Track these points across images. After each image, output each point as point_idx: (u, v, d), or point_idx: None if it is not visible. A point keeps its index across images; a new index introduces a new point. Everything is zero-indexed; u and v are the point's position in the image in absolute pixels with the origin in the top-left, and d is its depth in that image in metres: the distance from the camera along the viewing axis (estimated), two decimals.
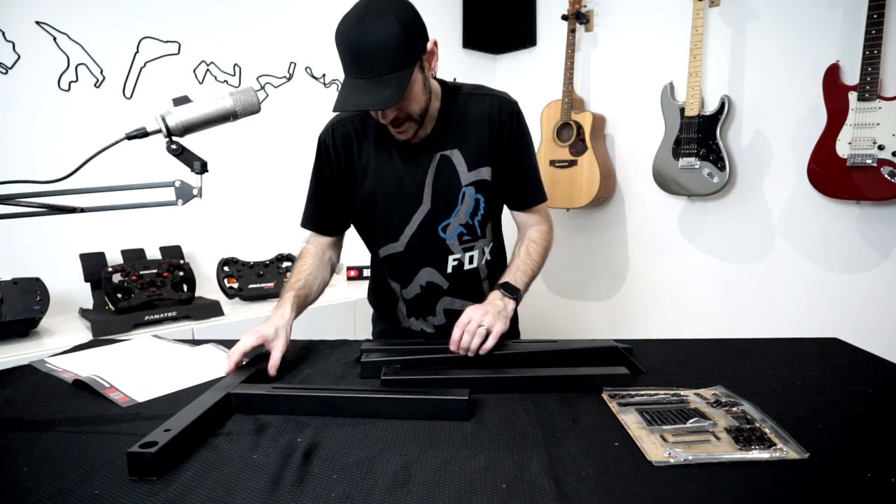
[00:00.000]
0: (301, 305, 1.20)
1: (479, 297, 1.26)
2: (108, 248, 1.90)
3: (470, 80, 1.35)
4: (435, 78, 1.20)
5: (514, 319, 1.44)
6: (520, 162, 1.25)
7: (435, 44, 1.11)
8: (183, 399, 0.90)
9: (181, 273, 1.89)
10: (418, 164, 1.20)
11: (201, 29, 2.13)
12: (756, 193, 2.25)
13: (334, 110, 1.06)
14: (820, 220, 2.09)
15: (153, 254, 1.97)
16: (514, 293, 1.16)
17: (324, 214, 1.28)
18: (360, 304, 2.09)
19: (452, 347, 1.03)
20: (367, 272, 2.34)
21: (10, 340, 1.56)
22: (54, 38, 1.83)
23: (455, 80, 1.36)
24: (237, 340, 1.17)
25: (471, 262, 1.27)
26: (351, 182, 1.24)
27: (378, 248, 1.29)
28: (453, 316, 1.27)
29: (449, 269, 1.26)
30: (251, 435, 0.77)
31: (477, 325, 1.03)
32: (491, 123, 1.20)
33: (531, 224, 1.30)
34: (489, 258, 1.30)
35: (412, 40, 1.03)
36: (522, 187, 1.27)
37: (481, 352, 1.02)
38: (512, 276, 1.20)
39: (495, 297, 1.14)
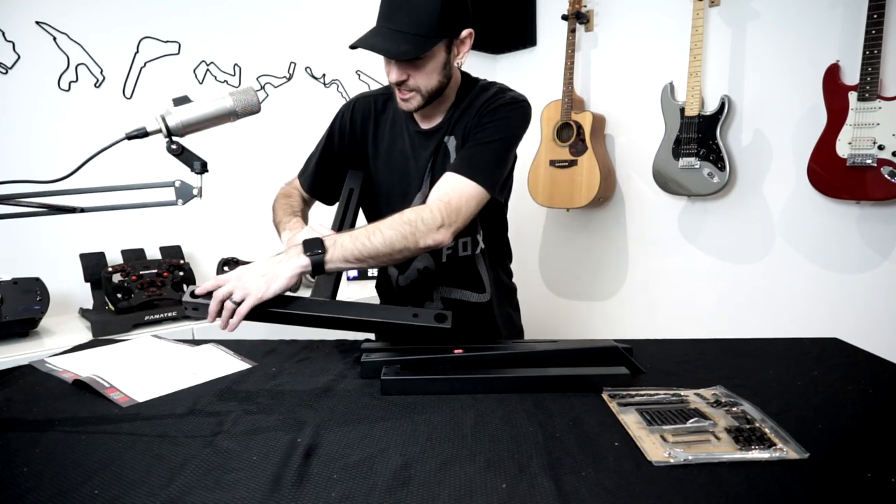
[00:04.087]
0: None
1: (478, 286, 1.28)
2: (108, 248, 1.90)
3: None
4: (461, 71, 1.23)
5: (517, 318, 1.45)
6: (474, 135, 1.17)
7: (470, 35, 1.13)
8: (183, 399, 0.90)
9: (181, 273, 1.88)
10: (425, 149, 1.23)
11: (201, 29, 2.13)
12: (756, 193, 2.25)
13: (350, 47, 1.08)
14: (820, 220, 2.09)
15: (153, 254, 1.97)
16: (315, 250, 1.00)
17: (321, 181, 1.32)
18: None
19: (209, 320, 0.99)
20: (371, 271, 2.35)
21: (10, 340, 1.56)
22: (54, 38, 1.83)
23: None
24: (237, 341, 1.18)
25: (465, 248, 1.27)
26: (364, 158, 1.28)
27: None
28: (450, 304, 1.29)
29: (444, 258, 1.28)
30: (251, 435, 0.77)
31: (226, 296, 0.97)
32: (481, 109, 1.18)
33: (430, 199, 1.12)
34: (483, 246, 1.30)
35: (449, 16, 1.06)
36: (460, 155, 1.17)
37: (229, 328, 0.98)
38: (336, 237, 1.04)
39: (279, 255, 1.02)
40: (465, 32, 1.12)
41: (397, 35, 1.04)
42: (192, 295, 1.00)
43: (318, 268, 1.01)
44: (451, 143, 1.22)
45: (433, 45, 1.06)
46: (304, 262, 1.00)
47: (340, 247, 1.02)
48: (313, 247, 1.00)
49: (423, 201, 1.22)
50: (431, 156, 1.23)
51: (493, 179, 1.15)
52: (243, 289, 0.97)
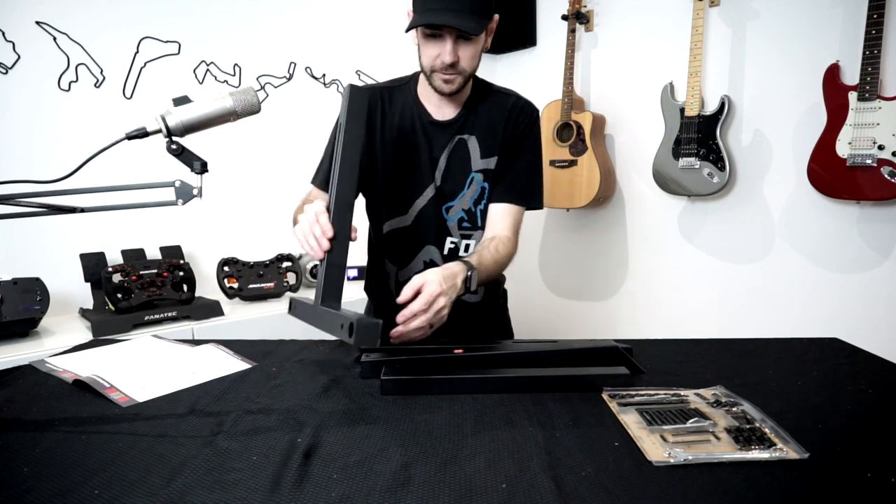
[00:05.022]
0: None
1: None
2: (108, 248, 1.90)
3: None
4: None
5: (506, 320, 1.46)
6: (516, 158, 1.27)
7: (497, 21, 1.19)
8: (183, 399, 0.90)
9: (181, 273, 1.89)
10: (438, 142, 1.25)
11: (201, 29, 2.13)
12: (756, 193, 2.24)
13: (410, 27, 1.10)
14: (820, 220, 2.09)
15: (153, 254, 1.97)
16: (469, 284, 1.09)
17: None
18: (359, 304, 2.10)
19: (400, 319, 0.99)
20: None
21: (10, 340, 1.56)
22: (54, 38, 1.83)
23: None
24: (237, 340, 1.18)
25: (466, 250, 1.30)
26: (371, 149, 1.28)
27: (384, 223, 1.32)
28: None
29: (445, 251, 1.30)
30: (251, 435, 0.77)
31: (436, 313, 1.00)
32: (509, 118, 1.26)
33: (500, 229, 1.26)
34: None
35: (492, 3, 1.14)
36: (509, 181, 1.27)
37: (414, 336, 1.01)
38: (480, 266, 1.13)
39: (459, 272, 1.07)
40: (495, 17, 1.17)
41: (461, 14, 1.07)
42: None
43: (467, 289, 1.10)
44: (473, 142, 1.25)
45: (487, 26, 1.12)
46: (462, 289, 1.07)
47: (477, 278, 1.11)
48: (470, 272, 1.09)
49: (435, 195, 1.26)
50: (448, 150, 1.25)
51: (542, 196, 1.32)
52: (448, 306, 1.02)
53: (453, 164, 1.25)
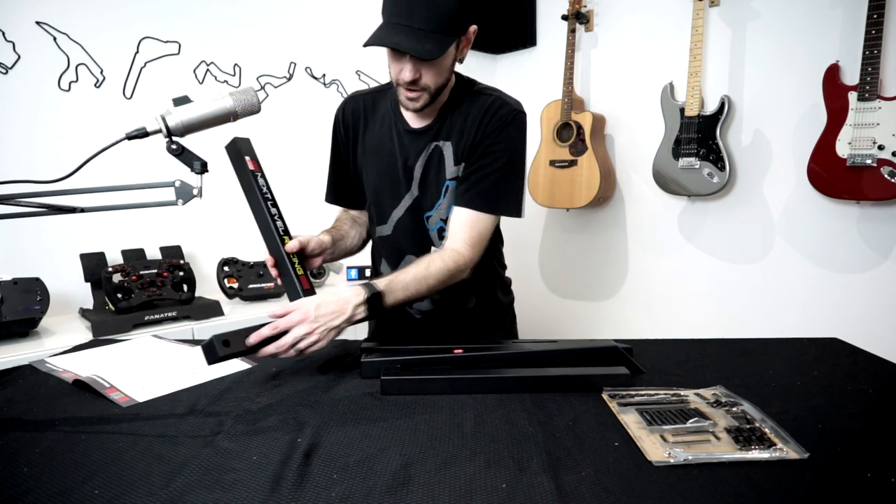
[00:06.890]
0: (335, 238, 1.25)
1: (460, 295, 1.26)
2: (108, 248, 1.90)
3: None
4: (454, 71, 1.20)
5: (512, 320, 1.45)
6: (485, 161, 1.17)
7: (475, 32, 1.12)
8: (183, 399, 0.90)
9: (181, 273, 1.88)
10: (415, 150, 1.21)
11: (201, 29, 2.13)
12: (756, 193, 2.25)
13: (366, 44, 1.04)
14: (820, 220, 2.09)
15: (153, 254, 1.97)
16: (376, 305, 1.02)
17: (341, 189, 1.32)
18: None
19: (253, 340, 0.92)
20: (368, 272, 2.34)
21: (10, 340, 1.56)
22: (54, 38, 1.83)
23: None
24: None
25: None
26: (355, 158, 1.28)
27: (375, 228, 1.32)
28: (438, 304, 1.29)
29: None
30: (251, 435, 0.77)
31: (290, 345, 0.92)
32: (482, 120, 1.17)
33: (453, 241, 1.16)
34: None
35: (463, 16, 1.05)
36: (473, 184, 1.17)
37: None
38: (391, 284, 1.05)
39: (352, 298, 0.99)
40: (471, 29, 1.11)
41: (419, 33, 1.01)
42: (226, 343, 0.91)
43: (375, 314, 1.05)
44: (448, 149, 1.20)
45: (451, 43, 1.05)
46: (359, 317, 1.01)
47: (393, 296, 1.05)
48: (375, 304, 1.02)
49: (413, 204, 1.22)
50: (423, 158, 1.20)
51: (517, 203, 1.21)
52: (320, 335, 0.96)
53: (429, 173, 1.20)
